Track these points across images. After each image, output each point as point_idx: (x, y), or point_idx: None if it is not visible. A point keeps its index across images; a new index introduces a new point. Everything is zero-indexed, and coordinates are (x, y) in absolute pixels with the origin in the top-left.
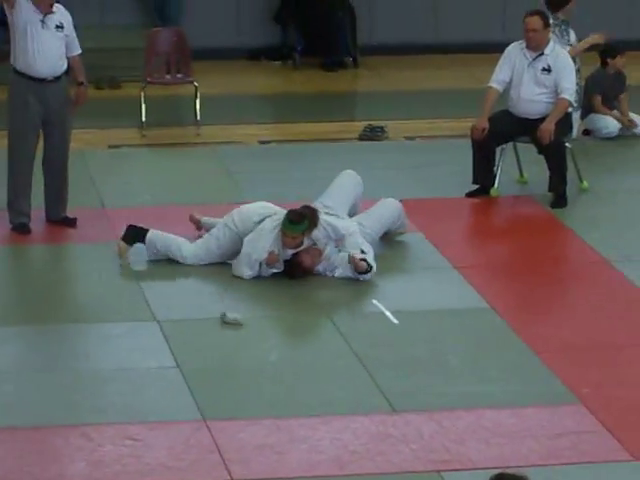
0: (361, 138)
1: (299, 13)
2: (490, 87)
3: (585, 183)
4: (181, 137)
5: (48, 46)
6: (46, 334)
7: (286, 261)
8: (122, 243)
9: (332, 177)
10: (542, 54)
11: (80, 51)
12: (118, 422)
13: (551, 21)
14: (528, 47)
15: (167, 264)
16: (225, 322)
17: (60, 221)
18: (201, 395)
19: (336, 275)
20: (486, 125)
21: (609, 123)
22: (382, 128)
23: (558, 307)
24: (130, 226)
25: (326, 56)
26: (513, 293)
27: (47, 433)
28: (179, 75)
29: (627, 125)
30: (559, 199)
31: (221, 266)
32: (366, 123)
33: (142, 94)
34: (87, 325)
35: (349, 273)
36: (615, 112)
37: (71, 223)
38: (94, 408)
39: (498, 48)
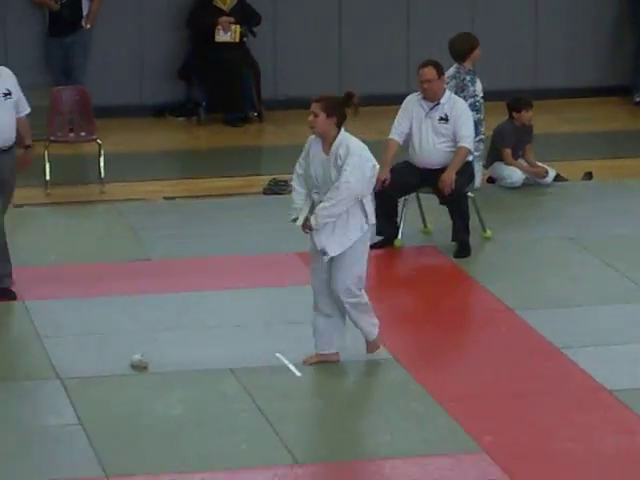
0: (265, 192)
1: (203, 69)
2: (390, 139)
3: (488, 232)
4: (85, 195)
5: None
6: None
7: None
8: None
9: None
10: (438, 104)
11: (28, 111)
12: None
13: (453, 71)
14: (424, 98)
15: (71, 323)
16: (132, 366)
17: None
18: (103, 451)
19: None
20: (387, 176)
21: (513, 173)
22: (286, 182)
23: (461, 356)
24: None
25: (230, 111)
26: (416, 343)
27: None
28: (82, 133)
29: (538, 174)
30: (462, 248)
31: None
32: (270, 177)
33: (45, 153)
34: None
35: None
36: (521, 162)
37: (9, 295)
38: None
39: (401, 100)
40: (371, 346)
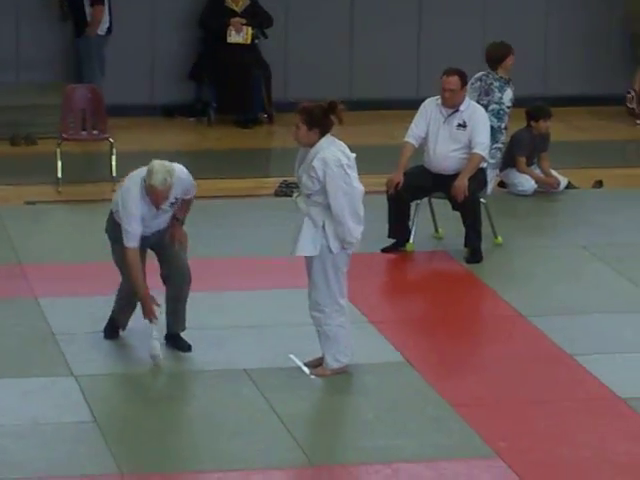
0: (277, 194)
1: (214, 70)
2: (406, 142)
3: (499, 238)
4: (97, 193)
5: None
6: None
7: None
8: None
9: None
10: (457, 110)
11: (192, 195)
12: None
13: (481, 74)
14: (444, 104)
15: (88, 321)
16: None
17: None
18: (118, 450)
19: None
20: (401, 179)
21: (525, 182)
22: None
23: (474, 361)
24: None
25: (241, 113)
26: (429, 347)
27: None
28: (95, 132)
29: (551, 184)
30: (474, 254)
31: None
32: (282, 179)
33: (57, 150)
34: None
35: None
36: (535, 169)
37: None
38: (11, 463)
39: (411, 105)
40: (320, 369)
